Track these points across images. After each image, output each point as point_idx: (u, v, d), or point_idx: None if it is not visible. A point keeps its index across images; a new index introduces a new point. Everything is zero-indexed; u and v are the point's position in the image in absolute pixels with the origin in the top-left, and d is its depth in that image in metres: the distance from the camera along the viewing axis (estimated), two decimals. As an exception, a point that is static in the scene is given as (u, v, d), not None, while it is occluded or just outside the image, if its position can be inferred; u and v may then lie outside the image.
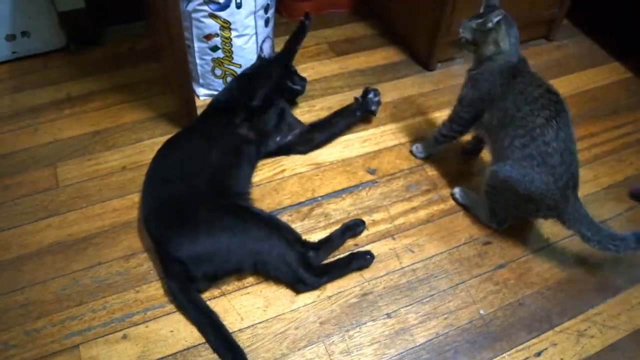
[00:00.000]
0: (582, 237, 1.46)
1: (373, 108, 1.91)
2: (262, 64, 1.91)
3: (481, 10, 1.53)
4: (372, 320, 1.41)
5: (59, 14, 2.05)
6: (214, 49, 1.89)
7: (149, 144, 1.80)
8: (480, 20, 1.49)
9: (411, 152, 1.84)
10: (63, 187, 1.67)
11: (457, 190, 1.70)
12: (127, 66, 2.11)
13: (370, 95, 1.91)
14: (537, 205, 1.47)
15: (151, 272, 1.47)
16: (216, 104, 1.79)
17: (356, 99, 1.92)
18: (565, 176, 1.41)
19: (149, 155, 1.65)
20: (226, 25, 1.83)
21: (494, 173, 1.49)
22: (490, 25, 1.47)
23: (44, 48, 2.13)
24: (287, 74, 1.90)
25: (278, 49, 2.04)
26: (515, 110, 1.45)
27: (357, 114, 1.89)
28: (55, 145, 1.80)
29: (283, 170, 1.77)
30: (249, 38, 1.91)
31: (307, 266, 1.43)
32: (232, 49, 1.90)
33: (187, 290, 1.38)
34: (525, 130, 1.42)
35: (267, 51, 1.92)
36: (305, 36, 1.85)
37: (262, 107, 1.73)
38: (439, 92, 2.10)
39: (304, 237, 1.52)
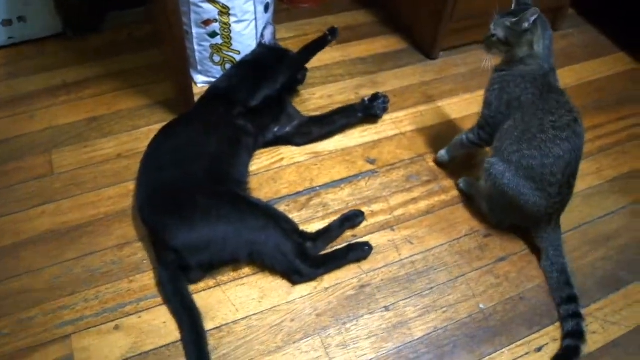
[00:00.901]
0: (542, 256, 1.51)
1: (378, 112, 1.87)
2: (262, 51, 1.88)
3: (512, 7, 1.44)
4: (370, 313, 1.39)
5: (55, 0, 2.02)
6: (213, 35, 1.85)
7: (145, 132, 1.77)
8: (515, 19, 1.38)
9: (435, 160, 1.76)
10: (58, 175, 1.65)
11: (462, 180, 1.68)
12: (126, 53, 2.08)
13: (379, 101, 1.87)
14: (524, 216, 1.48)
15: (145, 261, 1.45)
16: (215, 91, 1.76)
17: (363, 100, 1.86)
18: (557, 205, 1.44)
19: (145, 143, 1.62)
20: (225, 11, 1.80)
21: (488, 167, 1.46)
22: (526, 25, 1.37)
23: (41, 34, 2.09)
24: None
25: (279, 35, 2.02)
26: (539, 130, 1.37)
27: (359, 115, 1.84)
28: (51, 131, 1.77)
29: (281, 159, 1.74)
30: (248, 24, 1.88)
31: (303, 257, 1.41)
32: (231, 35, 1.87)
33: (176, 282, 1.35)
34: (539, 154, 1.37)
35: (268, 38, 1.89)
36: (324, 49, 1.80)
37: (261, 106, 1.69)
38: (441, 81, 2.07)
39: (301, 227, 1.50)
